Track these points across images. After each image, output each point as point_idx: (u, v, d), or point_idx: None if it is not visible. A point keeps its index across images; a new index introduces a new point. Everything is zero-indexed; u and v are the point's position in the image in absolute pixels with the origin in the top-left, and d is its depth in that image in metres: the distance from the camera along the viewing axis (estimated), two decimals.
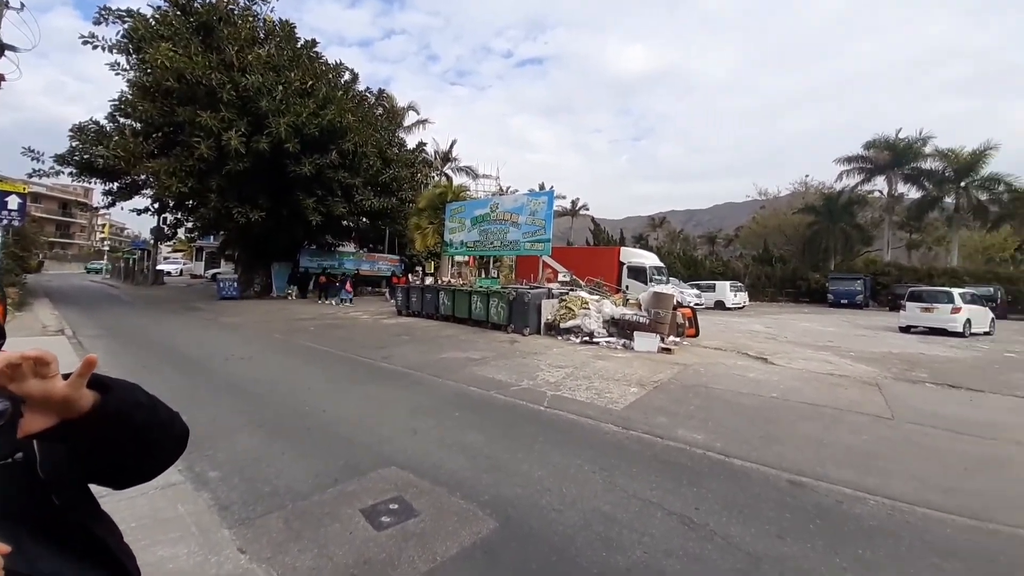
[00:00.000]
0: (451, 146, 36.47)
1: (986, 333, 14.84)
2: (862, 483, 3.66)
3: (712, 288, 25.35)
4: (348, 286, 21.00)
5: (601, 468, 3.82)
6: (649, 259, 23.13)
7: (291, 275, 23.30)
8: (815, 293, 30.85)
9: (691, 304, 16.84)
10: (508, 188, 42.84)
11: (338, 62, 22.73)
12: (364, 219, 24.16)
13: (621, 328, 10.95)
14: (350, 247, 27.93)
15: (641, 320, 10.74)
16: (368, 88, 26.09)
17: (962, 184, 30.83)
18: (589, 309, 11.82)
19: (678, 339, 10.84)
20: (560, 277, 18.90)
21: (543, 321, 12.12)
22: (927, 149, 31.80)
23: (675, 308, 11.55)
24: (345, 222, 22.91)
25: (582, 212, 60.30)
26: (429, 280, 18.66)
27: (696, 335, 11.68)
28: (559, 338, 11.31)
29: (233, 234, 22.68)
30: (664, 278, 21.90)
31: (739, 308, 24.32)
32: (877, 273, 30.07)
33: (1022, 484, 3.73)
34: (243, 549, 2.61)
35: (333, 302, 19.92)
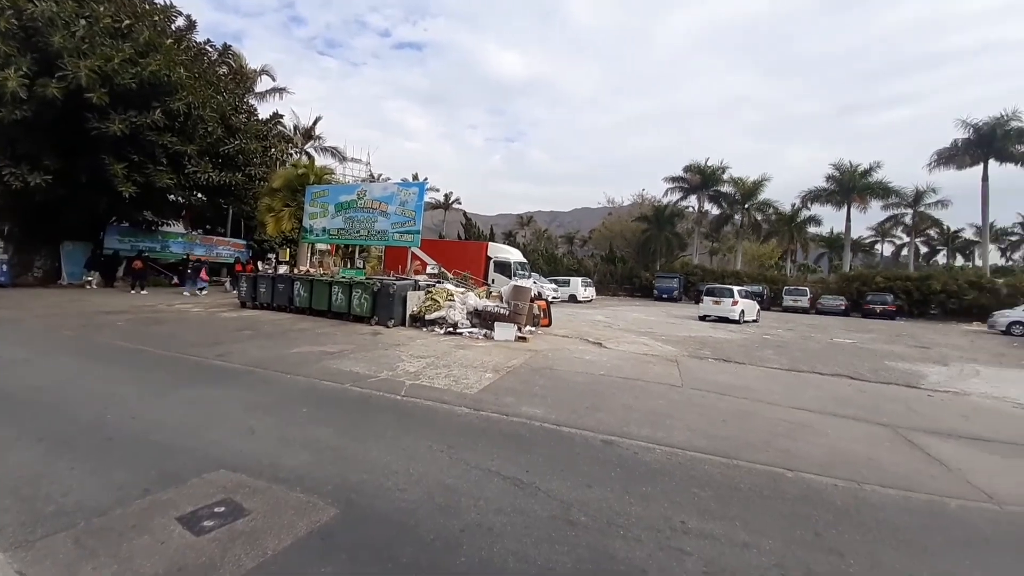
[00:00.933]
0: (315, 122, 33.09)
1: (754, 321, 19.47)
2: (653, 436, 4.63)
3: (567, 283, 28.06)
4: (203, 274, 17.88)
5: (449, 447, 4.10)
6: (514, 255, 24.53)
7: (90, 258, 18.72)
8: (645, 289, 36.51)
9: (548, 297, 18.47)
10: (379, 175, 40.82)
11: (168, 3, 18.90)
12: (199, 195, 20.62)
13: (483, 319, 11.51)
14: (179, 227, 23.54)
15: (502, 311, 11.45)
16: (210, 41, 22.21)
17: (746, 206, 39.69)
18: (454, 301, 12.13)
19: (534, 328, 11.85)
20: (429, 269, 18.86)
21: (408, 313, 12.05)
22: (725, 176, 40.04)
23: (532, 300, 12.58)
24: (173, 196, 19.25)
25: (455, 206, 60.58)
26: (284, 269, 16.90)
27: (549, 324, 12.90)
28: (424, 329, 11.38)
29: (4, 202, 17.25)
30: (527, 273, 23.49)
31: (588, 301, 27.41)
32: (689, 273, 36.82)
33: (759, 431, 5.12)
34: (23, 572, 2.21)
35: (186, 293, 16.74)
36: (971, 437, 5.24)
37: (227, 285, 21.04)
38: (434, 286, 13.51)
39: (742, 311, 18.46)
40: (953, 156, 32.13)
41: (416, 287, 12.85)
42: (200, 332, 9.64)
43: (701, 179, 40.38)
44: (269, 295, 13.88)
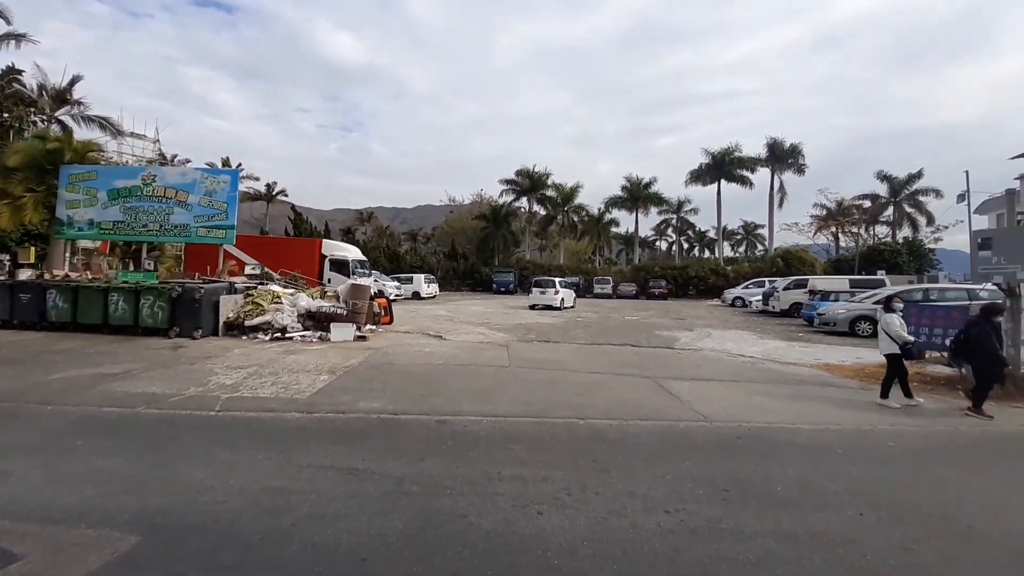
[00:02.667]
0: (72, 82, 25.05)
1: (571, 307, 22.68)
2: (481, 411, 5.27)
3: (410, 280, 27.91)
4: None
5: (278, 452, 3.98)
6: (352, 253, 23.29)
7: None
8: (485, 283, 38.76)
9: (390, 295, 18.19)
10: (174, 157, 33.61)
11: None
12: None
13: (318, 321, 10.84)
14: None
15: (339, 311, 10.96)
16: None
17: (565, 208, 45.44)
18: (282, 303, 11.10)
19: (374, 327, 11.66)
20: (248, 270, 16.68)
21: (222, 321, 10.56)
22: (549, 182, 45.06)
23: (373, 299, 12.33)
24: None
25: (281, 198, 53.62)
26: (28, 274, 12.82)
27: (391, 322, 12.85)
28: (244, 338, 10.15)
29: None
30: (367, 271, 22.59)
31: (431, 298, 27.79)
32: (522, 268, 40.45)
33: (563, 393, 6.22)
34: None
35: None
36: (699, 379, 7.35)
37: None
38: (256, 288, 12.08)
39: (562, 299, 21.29)
40: (699, 176, 42.48)
41: (232, 290, 11.32)
42: None
43: (530, 183, 44.52)
44: (7, 310, 10.46)
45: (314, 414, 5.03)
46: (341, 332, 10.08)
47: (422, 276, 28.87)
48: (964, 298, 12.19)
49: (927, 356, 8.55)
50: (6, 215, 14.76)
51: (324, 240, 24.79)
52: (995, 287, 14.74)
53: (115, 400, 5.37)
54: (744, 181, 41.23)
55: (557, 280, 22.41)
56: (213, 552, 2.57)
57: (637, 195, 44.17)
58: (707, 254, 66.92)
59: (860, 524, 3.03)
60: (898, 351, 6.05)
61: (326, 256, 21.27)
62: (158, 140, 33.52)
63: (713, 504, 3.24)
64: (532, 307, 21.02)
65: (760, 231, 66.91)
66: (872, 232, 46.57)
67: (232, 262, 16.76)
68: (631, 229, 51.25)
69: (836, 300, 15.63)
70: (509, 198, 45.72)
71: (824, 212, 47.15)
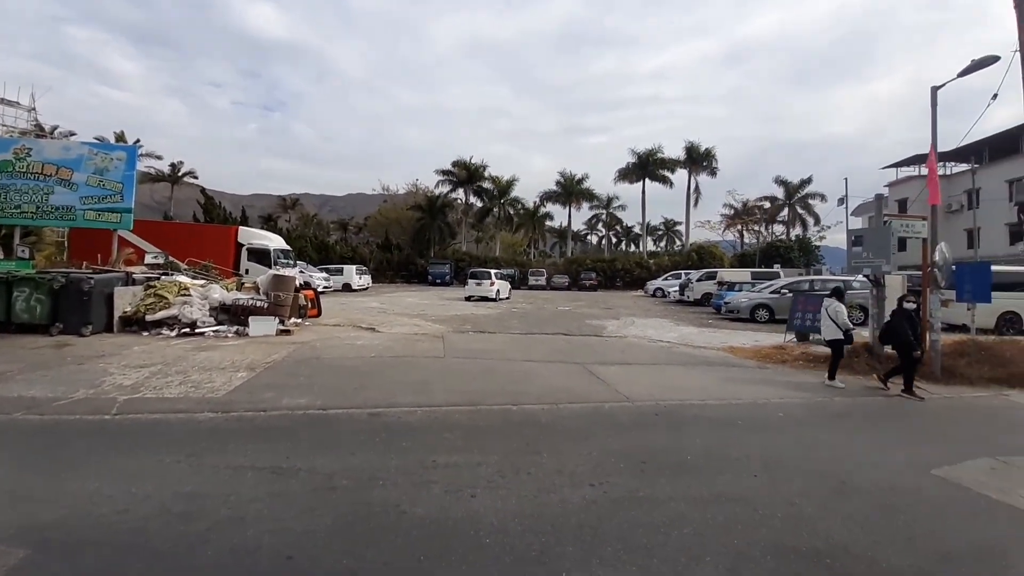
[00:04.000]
0: None
1: (507, 298, 23.02)
2: (417, 401, 5.24)
3: (341, 272, 26.61)
4: None
5: (188, 455, 3.67)
6: (275, 241, 21.63)
7: None
8: (421, 275, 38.03)
9: (317, 287, 17.23)
10: (55, 129, 28.95)
11: None
12: None
13: (234, 314, 10.02)
14: None
15: (258, 304, 10.20)
16: None
17: (502, 201, 45.74)
18: (191, 296, 10.10)
19: (300, 320, 11.01)
20: (149, 258, 14.94)
21: (118, 315, 9.40)
22: (486, 174, 45.00)
23: (298, 290, 11.61)
24: None
25: (189, 180, 48.17)
26: None
27: (319, 315, 12.21)
28: (145, 334, 9.13)
29: None
30: (291, 261, 21.12)
31: (364, 289, 26.74)
32: (459, 259, 40.19)
33: (499, 382, 6.35)
34: None
35: None
36: (623, 363, 7.86)
37: None
38: (159, 279, 10.88)
39: (498, 290, 21.52)
40: (626, 174, 44.82)
41: (130, 281, 10.10)
42: None
43: (467, 174, 44.14)
44: None
45: (231, 413, 4.69)
46: (261, 326, 9.41)
47: (353, 267, 27.63)
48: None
49: (811, 338, 9.83)
50: None
51: (241, 227, 22.77)
52: (864, 278, 17.39)
53: None
54: (665, 180, 44.17)
55: (493, 272, 22.60)
56: (115, 563, 2.34)
57: (571, 190, 45.62)
58: (632, 248, 70.85)
59: (754, 484, 3.47)
60: (842, 337, 6.74)
61: (243, 245, 19.58)
62: (34, 108, 28.65)
63: (632, 475, 3.52)
64: (468, 298, 21.01)
65: (678, 227, 72.08)
66: (771, 230, 52.14)
67: (129, 250, 14.91)
68: (564, 223, 52.92)
69: (740, 290, 17.39)
70: (445, 189, 45.09)
71: (732, 211, 52.16)
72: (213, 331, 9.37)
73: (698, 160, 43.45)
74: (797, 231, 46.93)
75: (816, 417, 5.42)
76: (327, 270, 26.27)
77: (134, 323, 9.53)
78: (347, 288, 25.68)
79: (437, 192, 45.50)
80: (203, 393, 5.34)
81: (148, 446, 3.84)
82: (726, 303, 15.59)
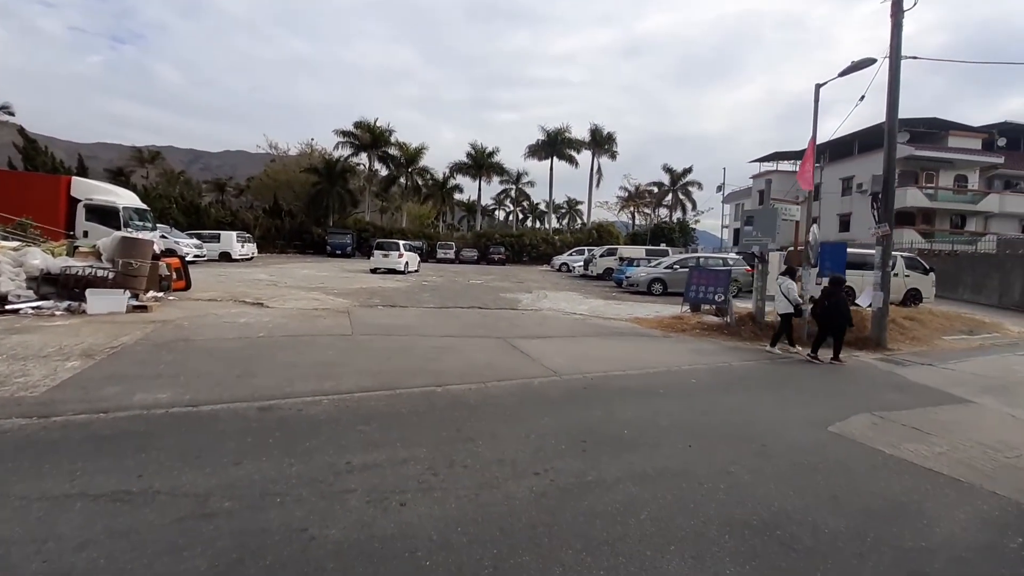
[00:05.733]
0: None
1: (415, 271, 21.94)
2: (321, 388, 4.44)
3: (217, 239, 22.95)
4: None
5: None
6: (124, 198, 17.62)
7: None
8: (317, 245, 34.62)
9: (185, 255, 14.51)
10: None
11: None
12: None
13: (64, 286, 7.85)
14: None
15: (99, 274, 8.11)
16: None
17: (409, 169, 43.25)
18: None
19: (160, 294, 9.03)
20: None
21: None
22: (392, 139, 41.90)
23: (157, 258, 9.49)
24: None
25: (2, 117, 36.96)
26: None
27: (187, 287, 10.21)
28: None
29: None
30: (149, 224, 17.50)
31: (247, 259, 23.46)
32: (361, 230, 37.32)
33: (416, 360, 5.74)
34: None
35: None
36: (542, 336, 7.73)
37: None
38: None
39: (406, 263, 20.34)
40: (536, 151, 45.25)
41: None
42: None
43: (371, 138, 40.56)
44: None
45: (53, 418, 3.47)
46: (105, 302, 7.47)
47: (234, 234, 23.96)
48: (720, 264, 15.80)
49: (703, 308, 10.75)
50: None
51: (76, 178, 18.14)
52: (738, 255, 19.79)
53: None
54: (571, 160, 45.44)
55: (401, 243, 21.21)
56: None
57: (481, 163, 44.66)
58: (538, 224, 72.66)
59: (691, 456, 3.45)
60: (792, 311, 7.38)
61: (78, 200, 15.67)
62: None
63: (575, 457, 3.28)
64: (374, 271, 19.51)
65: (580, 207, 75.55)
66: (657, 213, 57.16)
67: None
68: (473, 197, 51.95)
69: (638, 266, 18.60)
70: (346, 152, 40.98)
71: (627, 194, 56.00)
72: (33, 308, 7.22)
73: (601, 143, 45.28)
74: (678, 215, 52.05)
75: (723, 382, 5.79)
76: (199, 236, 22.45)
77: None
78: (226, 258, 22.25)
79: (336, 155, 41.27)
80: (11, 391, 3.93)
81: None
82: (627, 277, 16.52)
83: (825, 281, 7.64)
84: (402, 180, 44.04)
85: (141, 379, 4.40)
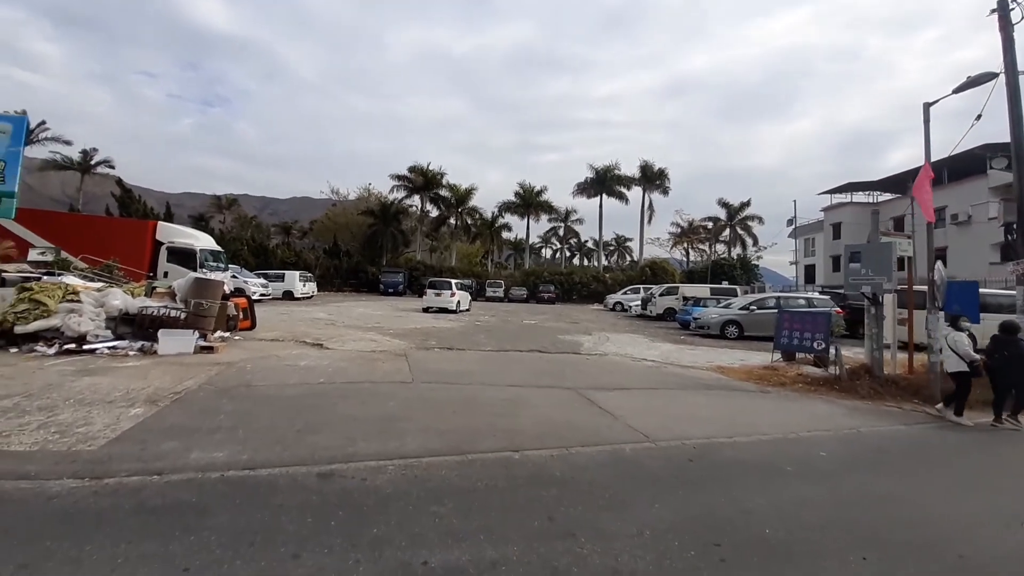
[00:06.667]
0: None
1: (467, 310, 21.74)
2: (384, 450, 3.92)
3: (281, 278, 24.12)
4: None
5: (18, 566, 2.19)
6: (202, 240, 19.01)
7: None
8: (371, 284, 35.76)
9: (252, 294, 15.10)
10: None
11: None
12: None
13: (140, 327, 8.07)
14: None
15: (173, 314, 8.29)
16: None
17: (459, 210, 44.49)
18: (80, 302, 8.02)
19: (227, 334, 9.15)
20: (34, 254, 12.37)
21: None
22: (443, 181, 43.57)
23: (227, 298, 9.73)
24: None
25: (104, 170, 42.38)
26: None
27: (252, 327, 10.35)
28: (14, 350, 7.06)
29: None
30: (222, 265, 18.63)
31: (307, 297, 24.38)
32: (412, 268, 38.32)
33: (483, 415, 5.15)
34: None
35: None
36: (617, 388, 6.90)
37: None
38: (39, 279, 8.67)
39: (458, 301, 20.21)
40: (584, 188, 45.33)
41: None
42: None
43: (424, 180, 42.47)
44: None
45: (104, 481, 3.14)
46: (175, 342, 7.56)
47: (296, 274, 25.14)
48: (805, 305, 14.27)
49: (797, 357, 9.46)
50: None
51: (161, 223, 19.85)
52: (823, 295, 17.88)
53: None
54: (621, 197, 45.03)
55: (454, 282, 21.20)
56: None
57: (529, 201, 45.23)
58: (585, 262, 71.74)
59: (870, 572, 2.55)
60: (966, 369, 6.05)
61: (162, 243, 16.97)
62: None
63: (715, 570, 2.48)
64: (426, 310, 19.49)
65: (629, 243, 74.21)
66: (714, 249, 54.64)
67: (9, 243, 12.25)
68: (519, 235, 52.43)
69: (705, 306, 17.28)
70: (400, 195, 43.08)
71: (679, 230, 54.21)
72: (108, 348, 7.40)
73: (652, 178, 44.67)
74: (737, 250, 49.40)
75: (861, 456, 4.70)
76: (266, 276, 23.69)
77: (1, 336, 7.36)
78: (289, 296, 23.22)
79: (391, 198, 43.39)
80: (69, 444, 3.71)
81: None
82: (695, 319, 15.30)
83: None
84: (451, 220, 45.30)
85: (199, 433, 4.09)
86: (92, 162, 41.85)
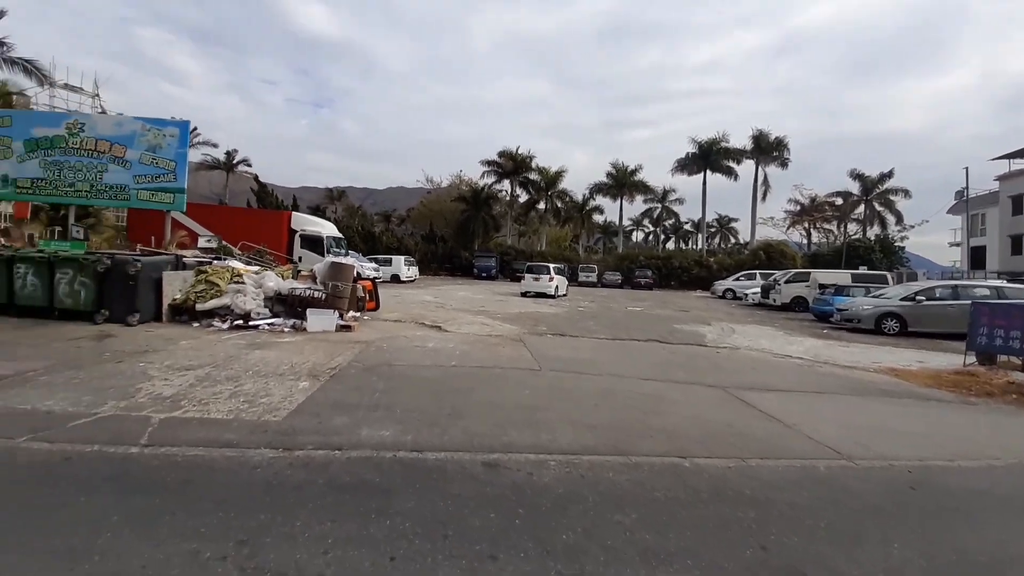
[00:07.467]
0: None
1: (564, 295, 21.34)
2: (539, 443, 3.72)
3: (389, 262, 25.88)
4: None
5: (240, 543, 2.30)
6: (327, 228, 21.06)
7: None
8: (465, 268, 37.02)
9: (371, 276, 16.26)
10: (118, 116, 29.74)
11: None
12: None
13: (291, 306, 8.96)
14: None
15: (316, 295, 9.09)
16: None
17: (549, 193, 43.89)
18: (244, 284, 9.12)
19: (358, 314, 9.86)
20: (202, 242, 14.41)
21: (168, 303, 8.54)
22: (533, 165, 43.21)
23: (356, 280, 10.48)
24: None
25: (243, 169, 49.30)
26: None
27: (377, 308, 11.06)
28: (195, 325, 8.23)
29: None
30: (343, 250, 20.45)
31: (412, 281, 25.89)
32: (504, 253, 38.84)
33: (627, 410, 4.77)
34: None
35: None
36: (774, 389, 6.05)
37: None
38: (211, 264, 10.03)
39: (556, 287, 19.91)
40: (686, 165, 41.89)
41: (180, 265, 9.26)
42: None
43: (513, 165, 42.63)
44: None
45: (295, 451, 3.34)
46: (320, 320, 8.26)
47: (402, 258, 26.86)
48: (993, 296, 11.57)
49: (998, 360, 7.62)
50: None
51: (294, 213, 22.33)
52: (1012, 284, 14.36)
53: None
54: (730, 172, 40.93)
55: (552, 266, 20.93)
56: None
57: (623, 182, 43.16)
58: (681, 245, 67.06)
59: None
60: None
61: (296, 231, 19.02)
62: (97, 95, 29.58)
63: None
64: (524, 294, 19.54)
65: (733, 224, 67.63)
66: (843, 228, 47.33)
67: (183, 232, 14.43)
68: (609, 218, 50.46)
69: (849, 296, 14.89)
70: (490, 180, 43.75)
71: (798, 208, 47.72)
72: (268, 324, 8.31)
73: (767, 150, 39.89)
74: (875, 230, 42.25)
75: None
76: (376, 260, 25.59)
77: (184, 312, 8.65)
78: (395, 279, 24.87)
79: (482, 183, 44.25)
80: (258, 414, 4.06)
81: (179, 516, 2.51)
82: (840, 310, 13.21)
83: None
84: (541, 204, 44.97)
85: (362, 409, 4.27)
86: (235, 161, 48.66)
